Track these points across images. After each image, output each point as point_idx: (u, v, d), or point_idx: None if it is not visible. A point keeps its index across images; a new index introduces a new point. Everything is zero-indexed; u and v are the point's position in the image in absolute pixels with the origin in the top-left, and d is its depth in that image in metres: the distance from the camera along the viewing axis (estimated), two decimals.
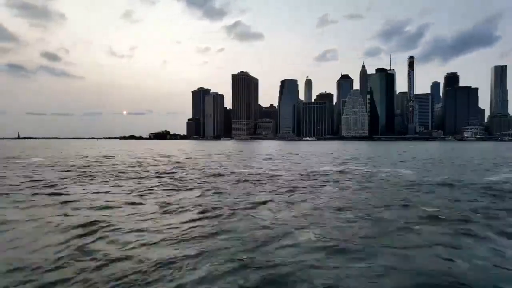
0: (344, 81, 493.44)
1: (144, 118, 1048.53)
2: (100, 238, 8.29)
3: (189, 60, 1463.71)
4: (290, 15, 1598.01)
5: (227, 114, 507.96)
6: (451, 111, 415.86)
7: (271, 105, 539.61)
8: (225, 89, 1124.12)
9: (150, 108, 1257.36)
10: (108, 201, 12.95)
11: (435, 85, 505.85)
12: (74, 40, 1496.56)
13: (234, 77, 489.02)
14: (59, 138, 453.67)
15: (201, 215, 10.65)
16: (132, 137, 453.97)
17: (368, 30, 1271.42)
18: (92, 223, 9.53)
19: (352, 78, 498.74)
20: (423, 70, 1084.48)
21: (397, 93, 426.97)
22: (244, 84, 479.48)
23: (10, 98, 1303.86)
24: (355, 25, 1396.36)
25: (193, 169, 27.05)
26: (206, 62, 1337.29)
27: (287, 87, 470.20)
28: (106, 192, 15.13)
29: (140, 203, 12.54)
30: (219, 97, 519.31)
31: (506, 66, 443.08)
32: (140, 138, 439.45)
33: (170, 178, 20.57)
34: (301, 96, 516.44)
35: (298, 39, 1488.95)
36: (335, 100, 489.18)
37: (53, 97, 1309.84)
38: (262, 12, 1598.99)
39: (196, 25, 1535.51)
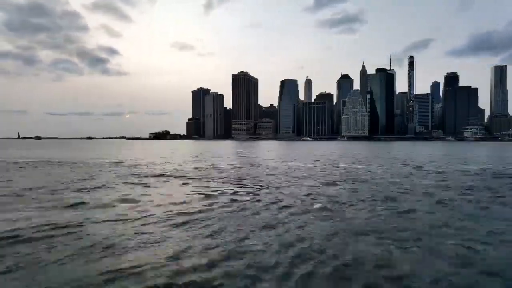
0: (344, 81, 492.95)
1: (144, 118, 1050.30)
2: None
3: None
4: None
5: (227, 114, 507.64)
6: (451, 111, 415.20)
7: (271, 105, 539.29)
8: (225, 89, 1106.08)
9: (151, 108, 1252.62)
10: None
11: (435, 85, 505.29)
12: (141, 33, 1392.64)
13: (234, 77, 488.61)
14: (59, 138, 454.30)
15: None
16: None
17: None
18: None
19: (352, 78, 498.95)
20: None
21: (397, 93, 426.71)
22: (244, 84, 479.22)
23: (30, 98, 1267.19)
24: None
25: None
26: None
27: (287, 87, 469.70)
28: None
29: None
30: (219, 97, 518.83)
31: (506, 66, 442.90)
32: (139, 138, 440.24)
33: None
34: (301, 96, 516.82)
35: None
36: (335, 100, 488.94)
37: (80, 97, 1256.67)
38: None
39: (301, 15, 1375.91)
